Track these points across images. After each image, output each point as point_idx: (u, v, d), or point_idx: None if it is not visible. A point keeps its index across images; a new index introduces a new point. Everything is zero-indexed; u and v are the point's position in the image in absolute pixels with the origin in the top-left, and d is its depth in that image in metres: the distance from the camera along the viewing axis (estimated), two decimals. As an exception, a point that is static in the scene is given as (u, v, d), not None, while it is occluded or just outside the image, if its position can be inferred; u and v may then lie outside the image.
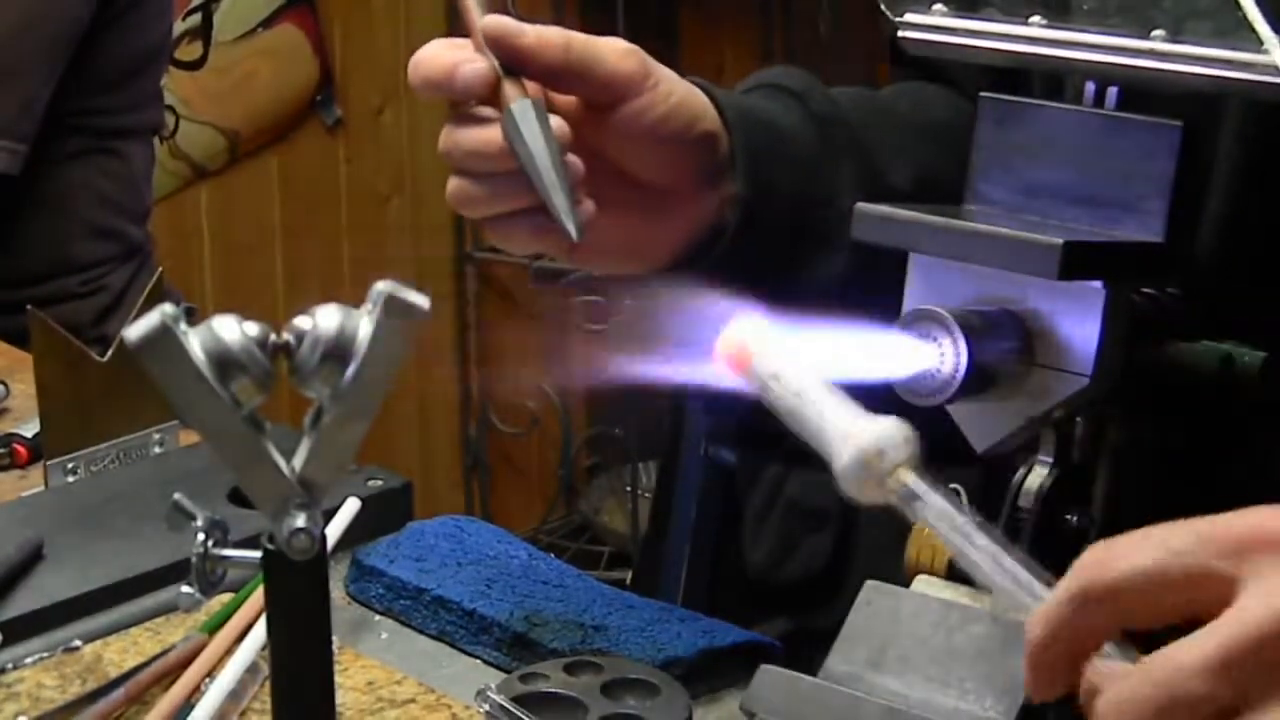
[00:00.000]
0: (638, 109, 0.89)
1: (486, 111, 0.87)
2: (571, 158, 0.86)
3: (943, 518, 0.62)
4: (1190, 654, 0.55)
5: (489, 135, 0.87)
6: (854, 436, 0.63)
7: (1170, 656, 0.56)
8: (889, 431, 0.63)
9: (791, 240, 0.95)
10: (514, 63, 0.87)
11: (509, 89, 0.86)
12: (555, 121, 0.86)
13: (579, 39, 0.88)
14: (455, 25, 0.91)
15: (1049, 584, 0.61)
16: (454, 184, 0.89)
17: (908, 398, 0.82)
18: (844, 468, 0.63)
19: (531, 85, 0.87)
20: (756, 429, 1.10)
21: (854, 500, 0.63)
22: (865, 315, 0.78)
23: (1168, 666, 0.56)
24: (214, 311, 0.64)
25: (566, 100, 0.90)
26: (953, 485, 1.00)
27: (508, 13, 0.88)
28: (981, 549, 0.62)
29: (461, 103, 0.88)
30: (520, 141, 0.85)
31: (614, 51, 0.89)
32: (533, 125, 0.85)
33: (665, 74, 0.91)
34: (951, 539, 0.62)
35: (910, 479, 0.63)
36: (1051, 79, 0.95)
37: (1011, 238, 0.80)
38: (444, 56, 0.88)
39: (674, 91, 0.90)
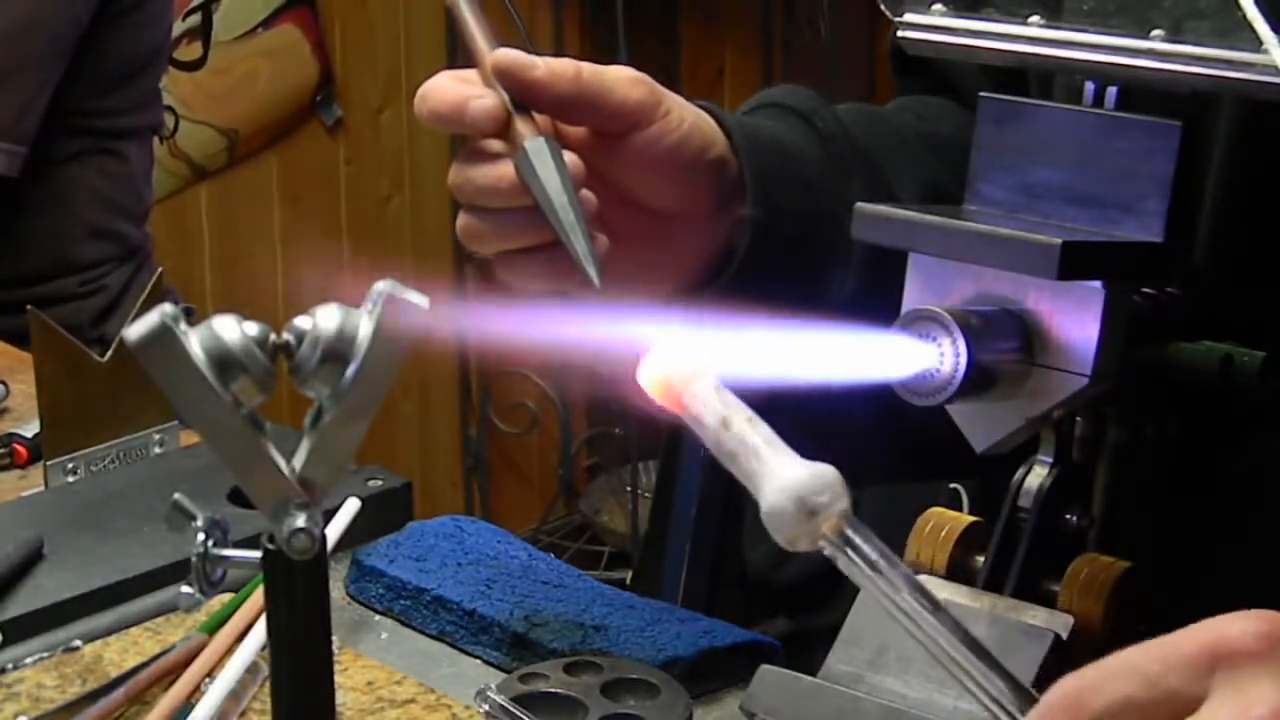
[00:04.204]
0: (650, 137, 0.89)
1: (495, 145, 0.87)
2: (585, 192, 0.85)
3: (873, 569, 0.60)
4: None
5: (501, 172, 0.86)
6: (788, 481, 0.60)
7: None
8: (824, 478, 0.60)
9: (802, 261, 0.94)
10: (525, 96, 0.86)
11: (521, 125, 0.85)
12: (569, 158, 0.85)
13: (588, 69, 0.88)
14: (455, 27, 0.90)
15: (971, 646, 0.60)
16: (464, 220, 0.89)
17: (908, 398, 0.82)
18: (774, 512, 0.60)
19: (541, 118, 0.87)
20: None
21: (782, 544, 0.61)
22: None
23: None
24: (214, 311, 0.64)
25: (576, 130, 0.89)
26: (953, 485, 1.00)
27: (512, 24, 0.87)
28: (908, 608, 0.60)
29: (471, 137, 0.87)
30: (536, 181, 0.84)
31: (623, 80, 0.88)
32: (548, 164, 0.84)
33: (674, 101, 0.90)
34: (875, 590, 0.60)
35: (845, 529, 0.60)
36: (1049, 81, 0.95)
37: (1010, 238, 0.80)
38: (452, 90, 0.87)
39: (684, 118, 0.90)
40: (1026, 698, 0.58)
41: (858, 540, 0.61)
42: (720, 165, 0.92)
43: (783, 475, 0.61)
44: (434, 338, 0.66)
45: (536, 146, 0.84)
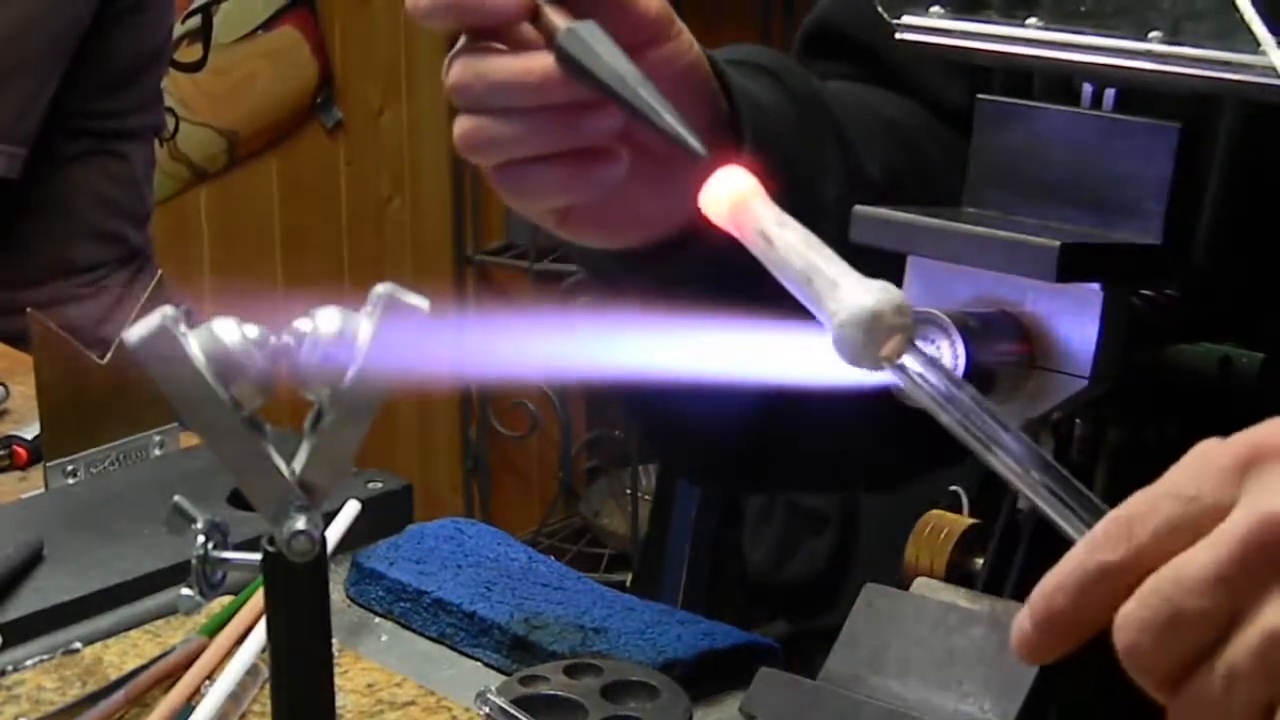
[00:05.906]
0: (666, 54, 0.82)
1: (499, 47, 0.79)
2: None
3: (938, 387, 0.60)
4: (1189, 570, 0.56)
5: (532, 63, 0.77)
6: (853, 301, 0.59)
7: (1173, 575, 0.56)
8: (890, 296, 0.60)
9: None
10: None
11: (552, 14, 0.76)
12: None
13: None
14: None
15: (1043, 466, 0.61)
16: (469, 123, 0.79)
17: (907, 400, 0.82)
18: (843, 328, 0.60)
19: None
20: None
21: (849, 363, 0.60)
22: None
23: (1172, 581, 0.56)
24: (214, 313, 0.64)
25: None
26: (952, 487, 1.00)
27: None
28: (977, 430, 0.60)
29: (479, 32, 0.78)
30: (599, 62, 0.74)
31: None
32: (605, 43, 0.74)
33: (681, 23, 0.84)
34: (940, 412, 0.61)
35: (908, 351, 0.60)
36: (1014, 77, 0.94)
37: (1009, 240, 0.80)
38: None
39: (693, 41, 0.84)
40: (1099, 513, 0.60)
41: (921, 362, 0.61)
42: (715, 99, 0.87)
43: (848, 296, 0.60)
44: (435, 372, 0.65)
45: (588, 27, 0.75)
